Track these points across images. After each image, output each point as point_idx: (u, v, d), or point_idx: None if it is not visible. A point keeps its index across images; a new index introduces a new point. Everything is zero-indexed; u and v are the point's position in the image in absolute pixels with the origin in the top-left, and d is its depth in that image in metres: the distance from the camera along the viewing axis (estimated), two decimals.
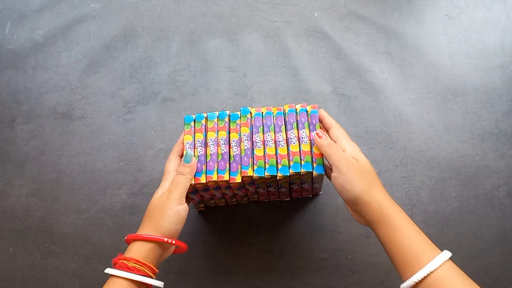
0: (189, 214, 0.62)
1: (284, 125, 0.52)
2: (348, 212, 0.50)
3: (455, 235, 0.61)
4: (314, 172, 0.49)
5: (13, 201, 0.67)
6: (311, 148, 0.51)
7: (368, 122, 0.68)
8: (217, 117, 0.53)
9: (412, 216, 0.62)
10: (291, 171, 0.49)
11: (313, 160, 0.50)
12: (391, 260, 0.43)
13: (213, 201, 0.60)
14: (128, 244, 0.46)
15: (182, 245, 0.48)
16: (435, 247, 0.41)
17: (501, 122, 0.67)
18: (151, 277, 0.44)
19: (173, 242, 0.46)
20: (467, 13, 0.74)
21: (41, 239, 0.65)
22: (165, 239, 0.45)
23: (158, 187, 0.49)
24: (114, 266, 0.44)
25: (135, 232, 0.47)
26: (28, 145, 0.71)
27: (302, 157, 0.50)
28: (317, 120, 0.52)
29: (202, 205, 0.61)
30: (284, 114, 0.53)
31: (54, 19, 0.80)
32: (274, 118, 0.53)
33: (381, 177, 0.64)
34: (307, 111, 0.52)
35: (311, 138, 0.51)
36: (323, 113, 0.53)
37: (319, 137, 0.48)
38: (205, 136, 0.52)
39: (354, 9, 0.76)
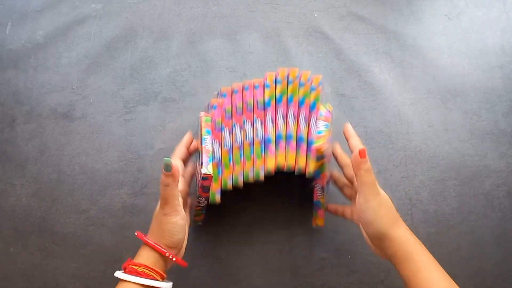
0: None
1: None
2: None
3: (455, 235, 0.61)
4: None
5: (13, 201, 0.68)
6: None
7: (368, 122, 0.68)
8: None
9: (412, 216, 0.62)
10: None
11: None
12: None
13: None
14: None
15: (182, 263, 0.49)
16: None
17: (500, 122, 0.67)
18: (159, 281, 0.46)
19: (174, 258, 0.47)
20: (466, 13, 0.74)
21: (41, 239, 0.65)
22: (167, 254, 0.46)
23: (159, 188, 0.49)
24: (124, 270, 0.45)
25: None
26: (29, 145, 0.71)
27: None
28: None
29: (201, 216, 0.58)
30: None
31: (55, 20, 0.80)
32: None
33: (381, 177, 0.64)
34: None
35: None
36: (349, 131, 0.50)
37: (362, 156, 0.43)
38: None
39: (354, 10, 0.76)
